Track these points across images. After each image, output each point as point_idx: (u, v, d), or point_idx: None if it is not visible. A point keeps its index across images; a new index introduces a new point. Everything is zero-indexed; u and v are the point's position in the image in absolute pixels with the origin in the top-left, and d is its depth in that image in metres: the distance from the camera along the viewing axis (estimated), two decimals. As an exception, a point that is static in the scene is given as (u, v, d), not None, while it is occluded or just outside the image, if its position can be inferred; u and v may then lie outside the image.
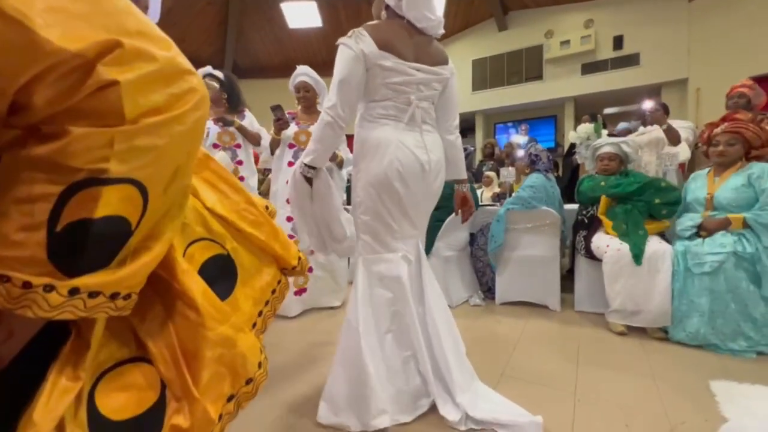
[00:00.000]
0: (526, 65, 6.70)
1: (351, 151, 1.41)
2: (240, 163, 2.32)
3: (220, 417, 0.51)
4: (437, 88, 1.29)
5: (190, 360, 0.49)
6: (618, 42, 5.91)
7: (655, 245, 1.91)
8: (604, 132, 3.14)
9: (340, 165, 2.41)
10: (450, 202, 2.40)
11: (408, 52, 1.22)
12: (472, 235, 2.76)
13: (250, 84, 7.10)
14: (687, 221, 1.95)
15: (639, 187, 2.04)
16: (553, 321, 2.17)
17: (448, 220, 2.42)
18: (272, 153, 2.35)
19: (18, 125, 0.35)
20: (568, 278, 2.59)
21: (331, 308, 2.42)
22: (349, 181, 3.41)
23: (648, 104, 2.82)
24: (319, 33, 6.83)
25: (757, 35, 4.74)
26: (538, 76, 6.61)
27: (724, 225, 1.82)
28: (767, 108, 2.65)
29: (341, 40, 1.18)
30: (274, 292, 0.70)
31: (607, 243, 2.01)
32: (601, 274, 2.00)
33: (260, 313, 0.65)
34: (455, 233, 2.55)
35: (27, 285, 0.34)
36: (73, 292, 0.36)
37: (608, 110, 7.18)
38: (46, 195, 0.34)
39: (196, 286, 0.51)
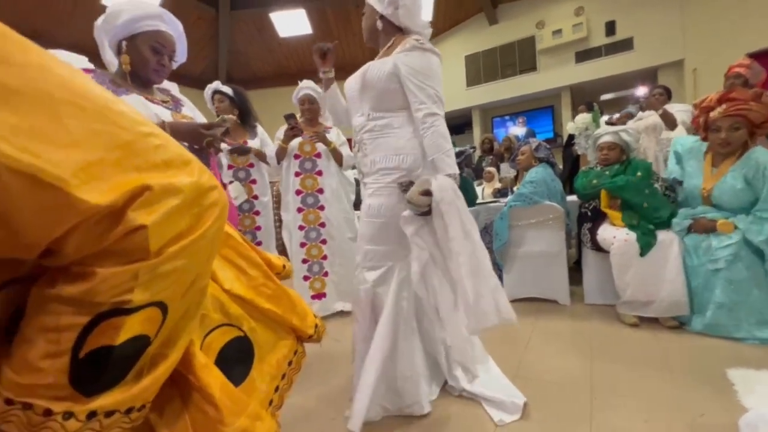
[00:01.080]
0: (519, 57, 6.67)
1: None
2: (254, 182, 2.31)
3: None
4: None
5: None
6: (610, 27, 5.87)
7: (661, 234, 1.89)
8: (603, 120, 3.12)
9: (340, 163, 2.42)
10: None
11: None
12: (476, 233, 2.75)
13: (245, 95, 7.13)
14: (677, 225, 1.90)
15: (628, 184, 2.00)
16: (563, 316, 2.16)
17: (451, 220, 2.41)
18: (279, 162, 2.36)
19: (48, 265, 0.37)
20: (576, 270, 2.57)
21: (344, 312, 2.43)
22: (357, 183, 3.42)
23: (641, 90, 2.80)
24: (309, 40, 6.83)
25: (751, 10, 4.69)
26: (532, 68, 6.58)
27: (712, 230, 1.79)
28: (766, 86, 2.62)
29: (430, 48, 1.23)
30: (290, 363, 0.73)
31: (613, 234, 1.99)
32: (610, 265, 1.98)
33: (276, 389, 0.67)
34: (459, 233, 2.54)
35: (48, 413, 0.35)
36: (91, 415, 0.38)
37: (605, 97, 7.14)
38: (72, 326, 0.36)
39: (214, 381, 0.52)
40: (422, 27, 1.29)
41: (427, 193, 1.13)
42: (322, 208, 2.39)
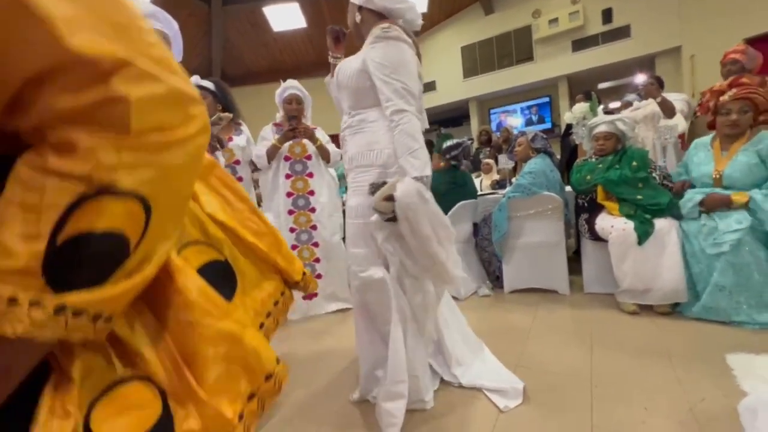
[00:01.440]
0: (515, 47, 6.62)
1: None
2: (240, 179, 2.31)
3: (241, 416, 0.49)
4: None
5: (190, 362, 0.47)
6: (607, 15, 5.82)
7: (659, 222, 1.89)
8: (601, 109, 3.11)
9: (327, 159, 2.41)
10: (448, 197, 2.41)
11: (418, 54, 1.24)
12: (475, 225, 2.75)
13: (240, 91, 7.06)
14: (688, 201, 1.89)
15: (621, 179, 2.00)
16: (563, 306, 2.17)
17: (449, 213, 2.41)
18: (269, 161, 2.34)
19: (19, 125, 0.34)
20: (575, 260, 2.58)
21: (334, 312, 2.43)
22: (341, 179, 3.39)
23: (640, 78, 2.79)
24: (304, 34, 6.77)
25: (747, -4, 4.65)
26: (529, 58, 6.53)
27: (726, 203, 1.78)
28: (762, 71, 2.60)
29: (396, 35, 1.11)
30: (276, 304, 0.67)
31: (611, 224, 1.99)
32: (608, 254, 1.99)
33: (261, 326, 0.62)
34: (458, 226, 2.54)
35: (12, 301, 0.32)
36: (59, 310, 0.34)
37: (602, 85, 7.11)
38: (55, 205, 0.33)
39: (191, 284, 0.48)
40: (402, 4, 1.20)
41: (392, 198, 1.03)
42: (313, 210, 2.38)
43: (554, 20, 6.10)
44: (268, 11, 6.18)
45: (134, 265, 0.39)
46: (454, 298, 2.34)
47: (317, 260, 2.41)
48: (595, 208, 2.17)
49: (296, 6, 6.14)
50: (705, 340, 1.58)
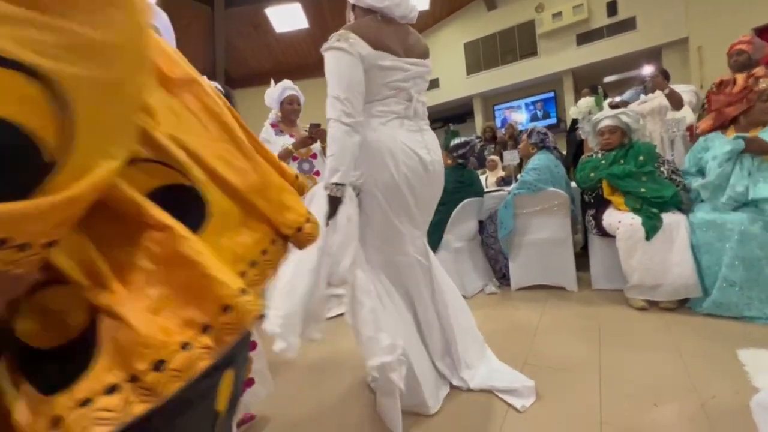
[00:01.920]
0: (519, 42, 6.57)
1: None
2: None
3: (185, 345, 0.37)
4: (428, 80, 1.29)
5: (127, 278, 0.37)
6: (612, 8, 5.75)
7: (667, 217, 1.87)
8: (606, 103, 3.08)
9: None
10: (455, 196, 2.40)
11: (398, 47, 1.19)
12: (480, 223, 2.75)
13: (244, 92, 7.11)
14: (724, 147, 1.79)
15: (624, 173, 1.98)
16: (571, 302, 2.15)
17: (455, 211, 2.40)
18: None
19: None
20: (583, 256, 2.56)
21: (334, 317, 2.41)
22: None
23: (647, 70, 2.75)
24: (306, 34, 6.78)
25: (756, -16, 4.57)
26: (533, 53, 6.48)
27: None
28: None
29: (331, 45, 1.12)
30: (264, 252, 0.51)
31: (618, 219, 1.97)
32: (616, 250, 1.97)
33: (243, 274, 0.46)
34: (463, 224, 2.54)
35: None
36: None
37: (608, 79, 7.03)
38: None
39: (153, 209, 0.37)
40: (403, 8, 1.19)
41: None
42: None
43: (558, 14, 6.04)
44: (270, 12, 6.20)
45: (64, 183, 0.29)
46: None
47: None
48: (602, 204, 2.15)
49: (298, 6, 6.15)
50: (715, 336, 1.56)
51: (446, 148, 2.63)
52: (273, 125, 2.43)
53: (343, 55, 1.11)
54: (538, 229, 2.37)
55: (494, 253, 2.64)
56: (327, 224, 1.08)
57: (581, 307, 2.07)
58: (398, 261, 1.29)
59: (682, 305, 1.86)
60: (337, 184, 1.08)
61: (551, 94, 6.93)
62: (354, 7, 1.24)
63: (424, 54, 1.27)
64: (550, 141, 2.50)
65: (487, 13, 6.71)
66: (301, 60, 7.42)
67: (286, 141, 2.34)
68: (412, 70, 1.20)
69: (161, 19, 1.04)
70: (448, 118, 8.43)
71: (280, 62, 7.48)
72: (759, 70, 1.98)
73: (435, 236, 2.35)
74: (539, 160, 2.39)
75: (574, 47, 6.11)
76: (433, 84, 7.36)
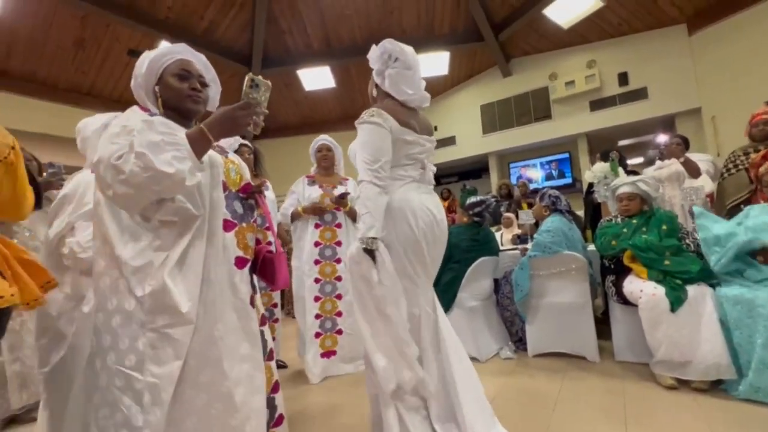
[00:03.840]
0: (533, 106, 6.87)
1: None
2: (269, 228, 2.38)
3: None
4: (434, 153, 1.49)
5: None
6: (623, 78, 6.03)
7: (692, 289, 1.81)
8: (622, 170, 3.11)
9: (355, 219, 2.46)
10: (469, 254, 2.40)
11: (416, 126, 1.39)
12: (496, 281, 2.70)
13: (273, 142, 7.57)
14: (747, 237, 1.74)
15: (647, 245, 1.95)
16: (593, 374, 2.03)
17: (469, 270, 2.38)
18: (292, 221, 2.43)
19: None
20: (604, 322, 2.45)
21: (353, 374, 2.31)
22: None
23: (662, 138, 2.81)
24: (332, 92, 7.30)
25: (764, 59, 4.75)
26: (547, 116, 6.74)
27: None
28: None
29: (366, 119, 1.31)
30: None
31: (640, 288, 1.91)
32: (639, 319, 1.89)
33: None
34: (478, 282, 2.50)
35: None
36: None
37: (624, 142, 7.17)
38: None
39: None
40: (407, 96, 1.38)
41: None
42: (339, 261, 2.38)
43: (571, 82, 6.36)
44: (301, 73, 6.77)
45: None
46: (474, 359, 2.23)
47: (339, 314, 2.36)
48: (622, 270, 2.10)
49: (327, 69, 6.71)
50: (755, 424, 1.43)
51: (462, 206, 2.68)
52: (309, 177, 2.52)
53: (377, 129, 1.30)
54: (555, 293, 2.31)
55: (510, 315, 2.55)
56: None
57: (604, 380, 1.94)
58: (411, 314, 1.33)
59: (716, 386, 1.72)
60: (372, 238, 1.22)
61: (566, 155, 7.08)
62: (377, 85, 1.45)
63: (431, 132, 1.49)
64: (562, 204, 2.51)
65: (503, 79, 7.13)
66: (325, 115, 7.92)
67: (312, 194, 2.41)
68: (426, 145, 1.41)
69: (210, 72, 1.15)
70: (463, 173, 8.65)
71: (306, 116, 8.00)
72: None
73: (449, 294, 2.32)
74: (552, 222, 2.39)
75: (588, 112, 6.34)
76: (450, 141, 7.66)
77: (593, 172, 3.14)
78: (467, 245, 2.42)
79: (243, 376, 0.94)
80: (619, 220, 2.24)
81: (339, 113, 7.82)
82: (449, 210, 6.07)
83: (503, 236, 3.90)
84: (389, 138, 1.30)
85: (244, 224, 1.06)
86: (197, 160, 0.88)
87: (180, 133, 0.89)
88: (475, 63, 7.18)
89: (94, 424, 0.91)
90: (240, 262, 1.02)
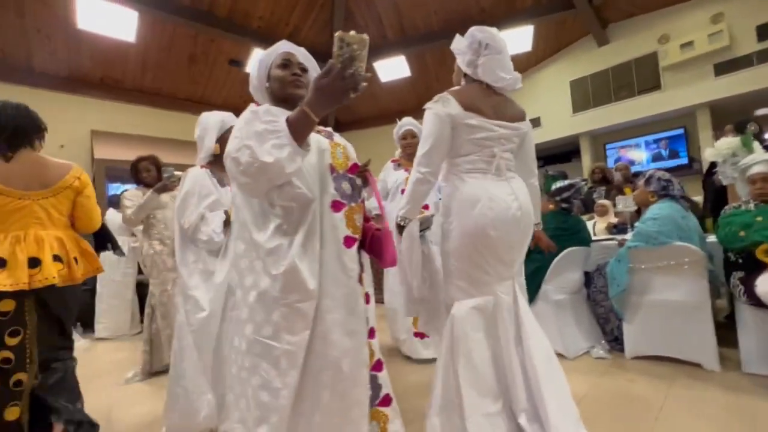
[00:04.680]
0: (637, 77, 5.97)
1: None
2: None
3: None
4: (516, 141, 1.41)
5: None
6: (763, 31, 4.89)
7: None
8: (758, 145, 2.55)
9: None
10: (559, 244, 2.21)
11: (489, 111, 1.34)
12: (587, 274, 2.47)
13: (350, 135, 7.87)
14: None
15: None
16: (711, 385, 1.74)
17: (555, 260, 2.22)
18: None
19: None
20: (728, 327, 2.08)
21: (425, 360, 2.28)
22: None
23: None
24: (408, 81, 7.28)
25: None
26: (655, 87, 5.81)
27: None
28: None
29: (428, 105, 1.34)
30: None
31: (780, 287, 1.57)
32: (777, 326, 1.56)
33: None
34: (566, 274, 2.31)
35: None
36: None
37: (761, 111, 5.84)
38: None
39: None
40: (504, 81, 1.36)
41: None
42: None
43: (688, 44, 5.36)
44: (378, 65, 6.88)
45: None
46: (560, 355, 2.09)
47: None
48: (754, 266, 1.75)
49: (402, 58, 6.71)
50: None
51: (547, 191, 2.49)
52: (394, 161, 2.61)
53: (434, 117, 1.31)
54: (662, 290, 2.02)
55: (604, 312, 2.32)
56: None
57: (726, 394, 1.66)
58: (483, 304, 1.30)
59: None
60: (403, 217, 1.34)
61: (680, 131, 6.02)
62: (465, 75, 1.43)
63: (516, 118, 1.41)
64: (675, 188, 2.16)
65: (598, 49, 6.31)
66: (402, 105, 7.94)
67: (400, 176, 2.46)
68: (497, 131, 1.34)
69: (311, 62, 1.25)
70: (549, 157, 7.95)
71: (383, 108, 8.14)
72: None
73: (532, 286, 2.19)
74: (661, 209, 2.08)
75: (711, 78, 5.28)
76: (534, 123, 7.09)
77: (717, 149, 2.63)
78: (553, 234, 2.22)
79: (349, 347, 1.00)
80: (751, 206, 1.85)
81: (415, 103, 7.77)
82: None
83: (596, 226, 3.51)
84: (446, 124, 1.30)
85: (353, 204, 1.09)
86: (297, 145, 0.90)
87: (281, 118, 0.92)
88: (564, 35, 6.49)
89: (235, 384, 1.03)
90: (348, 241, 1.05)
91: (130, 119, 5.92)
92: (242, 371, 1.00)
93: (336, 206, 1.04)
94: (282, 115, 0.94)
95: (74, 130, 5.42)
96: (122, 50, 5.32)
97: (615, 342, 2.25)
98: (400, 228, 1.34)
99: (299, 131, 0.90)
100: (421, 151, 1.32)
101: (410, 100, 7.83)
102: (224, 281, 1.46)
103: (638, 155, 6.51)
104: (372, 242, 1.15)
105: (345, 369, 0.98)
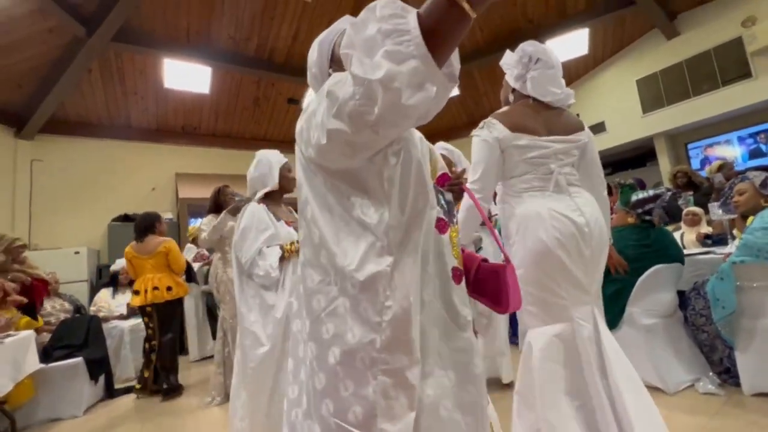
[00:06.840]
0: (719, 67, 5.34)
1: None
2: None
3: None
4: (575, 153, 1.35)
5: None
6: None
7: None
8: None
9: None
10: (639, 263, 2.01)
11: (539, 128, 1.31)
12: (681, 294, 2.17)
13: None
14: None
15: None
16: None
17: (640, 279, 1.99)
18: None
19: None
20: None
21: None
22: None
23: None
24: (457, 100, 7.28)
25: None
26: (744, 74, 5.13)
27: None
28: None
29: (474, 132, 1.36)
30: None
31: None
32: None
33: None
34: (655, 295, 2.05)
35: None
36: None
37: None
38: None
39: None
40: (555, 96, 1.34)
41: None
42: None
43: (781, 23, 4.70)
44: (427, 86, 7.01)
45: None
46: (657, 389, 1.85)
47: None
48: None
49: (452, 78, 6.76)
50: None
51: (625, 204, 2.27)
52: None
53: (482, 143, 1.31)
54: (783, 312, 1.70)
55: (708, 338, 2.01)
56: None
57: None
58: (560, 331, 1.20)
59: None
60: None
61: (782, 122, 5.21)
62: (514, 89, 1.43)
63: (572, 130, 1.35)
64: None
65: (666, 42, 5.77)
66: (452, 123, 7.92)
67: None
68: (551, 147, 1.29)
69: None
70: (618, 163, 7.30)
71: (433, 126, 8.18)
72: None
73: (614, 309, 1.98)
74: (773, 216, 1.78)
75: (818, 57, 4.54)
76: (598, 128, 6.60)
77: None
78: (634, 252, 2.01)
79: (466, 428, 0.67)
80: None
81: (465, 120, 7.73)
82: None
83: (684, 237, 3.10)
84: (495, 149, 1.29)
85: (453, 225, 0.78)
86: (431, 59, 0.50)
87: (410, 14, 0.52)
88: (625, 32, 6.07)
89: None
90: (457, 275, 0.73)
91: (206, 161, 6.64)
92: None
93: (441, 226, 0.72)
94: (411, 11, 0.53)
95: (162, 175, 6.22)
96: (198, 101, 6.06)
97: (726, 374, 1.92)
98: None
99: (441, 36, 0.51)
100: (473, 177, 1.31)
101: (460, 117, 7.78)
102: (284, 315, 1.49)
103: (730, 152, 5.73)
104: (483, 278, 0.80)
105: None
